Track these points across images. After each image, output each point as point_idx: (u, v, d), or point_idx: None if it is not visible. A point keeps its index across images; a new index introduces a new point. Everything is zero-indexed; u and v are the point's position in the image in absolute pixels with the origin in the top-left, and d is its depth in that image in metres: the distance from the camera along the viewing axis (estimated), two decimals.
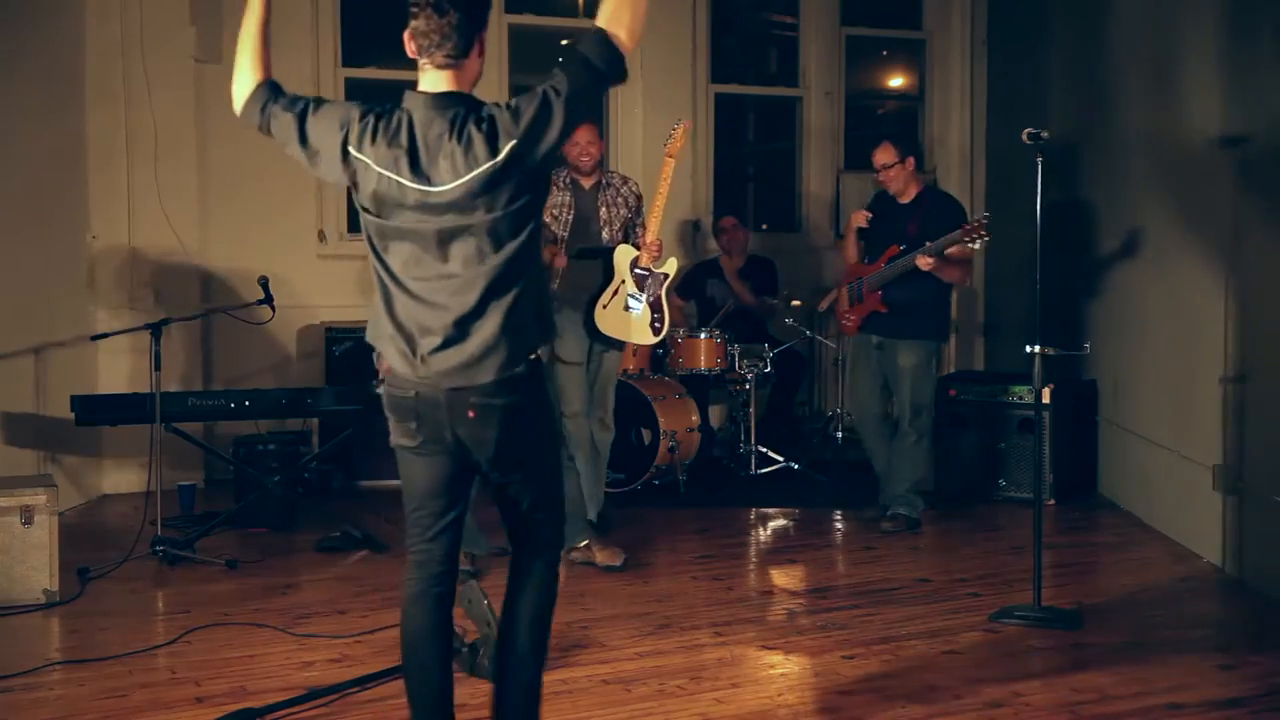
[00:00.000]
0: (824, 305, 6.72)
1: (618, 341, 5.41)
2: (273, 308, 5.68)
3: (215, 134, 6.83)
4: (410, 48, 2.91)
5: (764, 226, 8.38)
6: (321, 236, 7.08)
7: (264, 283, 5.66)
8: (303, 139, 2.91)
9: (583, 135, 5.32)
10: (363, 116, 2.86)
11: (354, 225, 7.29)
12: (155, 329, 5.38)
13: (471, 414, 2.86)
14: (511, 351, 2.86)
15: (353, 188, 2.91)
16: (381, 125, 2.84)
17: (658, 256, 5.40)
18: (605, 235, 5.37)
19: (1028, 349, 4.57)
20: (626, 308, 5.36)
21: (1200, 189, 5.32)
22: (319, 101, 2.95)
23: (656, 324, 5.41)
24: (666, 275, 5.43)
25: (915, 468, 5.93)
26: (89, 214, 6.61)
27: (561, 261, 5.27)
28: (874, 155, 5.81)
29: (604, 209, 5.38)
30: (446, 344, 2.84)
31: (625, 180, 5.52)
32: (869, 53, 8.78)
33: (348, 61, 7.22)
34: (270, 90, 2.97)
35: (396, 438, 2.98)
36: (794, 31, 8.34)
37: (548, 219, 5.28)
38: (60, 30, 6.43)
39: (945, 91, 8.53)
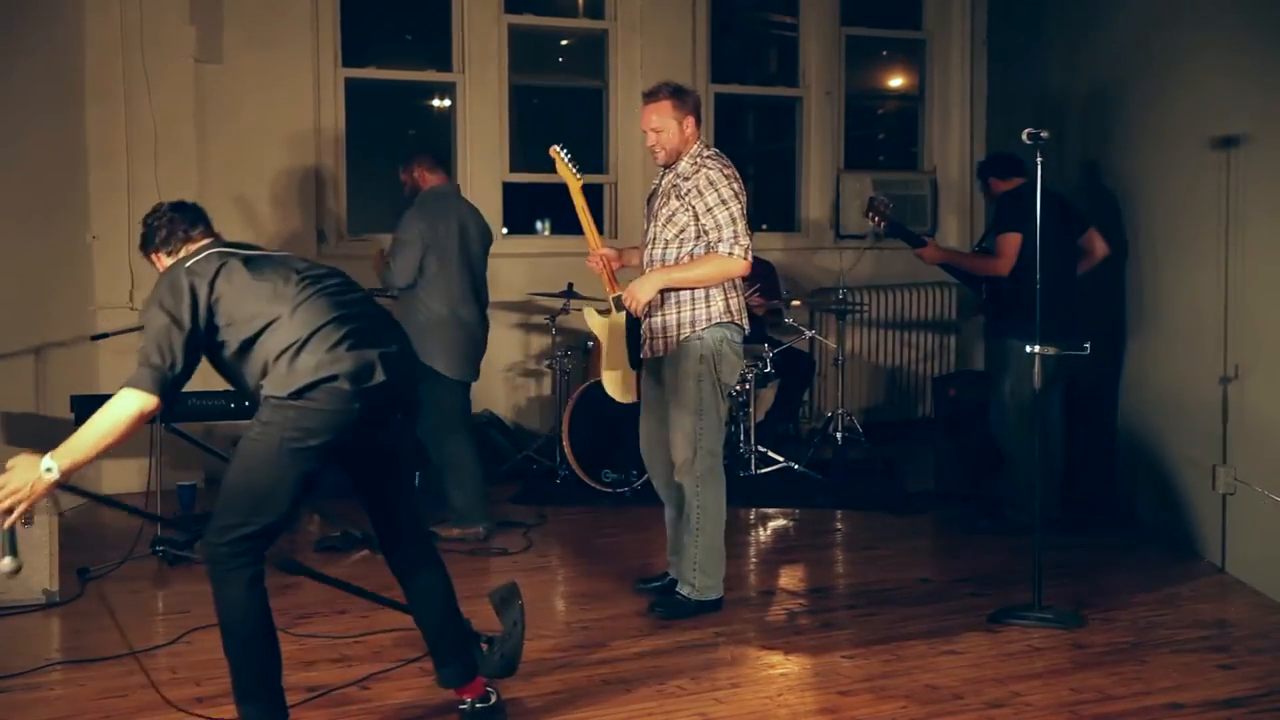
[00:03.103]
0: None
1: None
2: None
3: (215, 134, 6.82)
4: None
5: (764, 227, 8.37)
6: (321, 236, 7.07)
7: None
8: None
9: (645, 119, 4.47)
10: None
11: (354, 226, 7.29)
12: None
13: None
14: None
15: None
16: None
17: (604, 275, 4.58)
18: (650, 234, 4.51)
19: (1028, 349, 4.57)
20: None
21: (1199, 188, 5.32)
22: None
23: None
24: (607, 309, 4.56)
25: (1022, 471, 5.59)
26: (89, 214, 6.60)
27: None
28: None
29: (658, 201, 4.55)
30: None
31: (700, 166, 4.46)
32: (869, 53, 8.77)
33: (348, 61, 7.21)
34: None
35: None
36: (794, 31, 8.33)
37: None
38: (60, 29, 6.42)
39: (945, 91, 8.52)
